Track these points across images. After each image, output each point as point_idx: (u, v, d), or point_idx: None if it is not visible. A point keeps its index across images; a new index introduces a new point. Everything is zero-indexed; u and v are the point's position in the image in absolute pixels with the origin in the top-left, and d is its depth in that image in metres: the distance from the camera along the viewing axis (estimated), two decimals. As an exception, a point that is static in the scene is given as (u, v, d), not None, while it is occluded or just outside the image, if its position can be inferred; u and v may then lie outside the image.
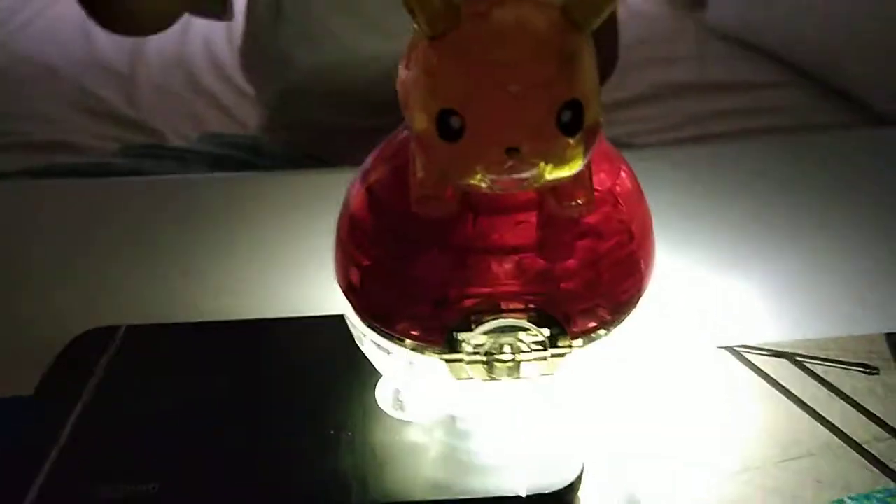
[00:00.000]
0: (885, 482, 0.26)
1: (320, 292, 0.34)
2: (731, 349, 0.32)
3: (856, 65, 0.91)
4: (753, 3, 1.08)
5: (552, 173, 0.19)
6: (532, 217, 0.22)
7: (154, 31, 0.64)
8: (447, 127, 0.18)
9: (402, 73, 0.22)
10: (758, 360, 0.32)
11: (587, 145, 0.19)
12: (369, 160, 0.25)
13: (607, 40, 0.65)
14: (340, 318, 0.26)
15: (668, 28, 1.14)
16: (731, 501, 0.26)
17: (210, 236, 0.42)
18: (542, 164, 0.18)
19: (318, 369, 0.30)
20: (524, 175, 0.18)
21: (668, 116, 0.93)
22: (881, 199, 0.42)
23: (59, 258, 0.41)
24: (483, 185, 0.19)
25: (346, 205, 0.25)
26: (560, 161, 0.18)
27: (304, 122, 0.68)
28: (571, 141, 0.18)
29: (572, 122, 0.18)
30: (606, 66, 0.68)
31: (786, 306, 0.35)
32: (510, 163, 0.18)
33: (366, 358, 0.26)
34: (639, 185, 0.25)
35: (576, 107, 0.18)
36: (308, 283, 0.37)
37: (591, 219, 0.22)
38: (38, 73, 1.03)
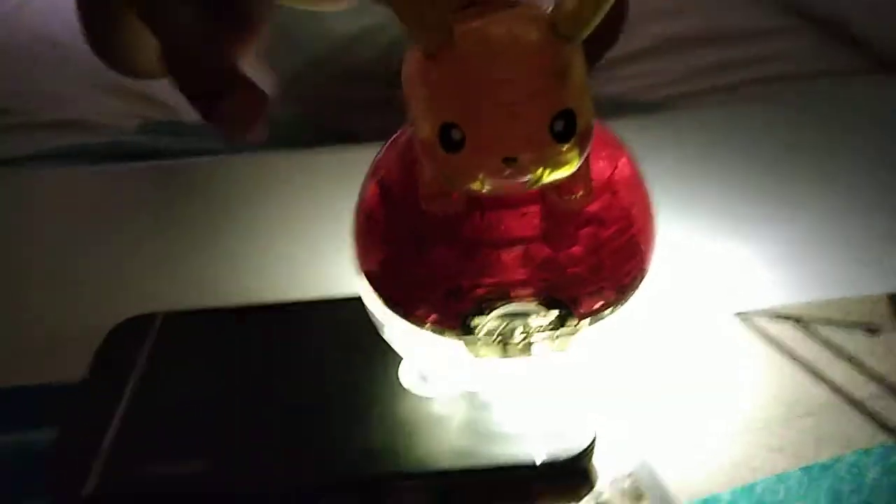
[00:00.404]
0: (883, 439, 0.28)
1: (348, 272, 0.36)
2: (736, 314, 0.34)
3: (861, 10, 0.90)
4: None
5: (549, 176, 0.20)
6: (536, 209, 0.23)
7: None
8: (448, 139, 0.20)
9: (404, 80, 0.23)
10: (762, 323, 0.33)
11: (581, 149, 0.20)
12: (380, 153, 0.27)
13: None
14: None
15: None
16: (736, 460, 0.28)
17: (235, 218, 0.44)
18: (538, 169, 0.20)
19: (347, 349, 0.32)
20: (522, 180, 0.20)
21: (674, 69, 0.92)
22: (885, 157, 0.43)
23: (85, 247, 0.43)
24: (484, 189, 0.20)
25: (360, 196, 0.27)
26: (555, 165, 0.20)
27: (316, 96, 0.70)
28: (565, 147, 0.20)
29: (565, 130, 0.19)
30: (615, 26, 0.67)
31: (789, 269, 0.36)
32: (508, 171, 0.20)
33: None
34: (638, 170, 0.26)
35: (568, 116, 0.19)
36: (335, 262, 0.38)
37: (592, 207, 0.24)
38: (46, 48, 1.03)
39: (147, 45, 0.44)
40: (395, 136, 0.27)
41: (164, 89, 0.82)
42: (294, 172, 0.48)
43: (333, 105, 0.70)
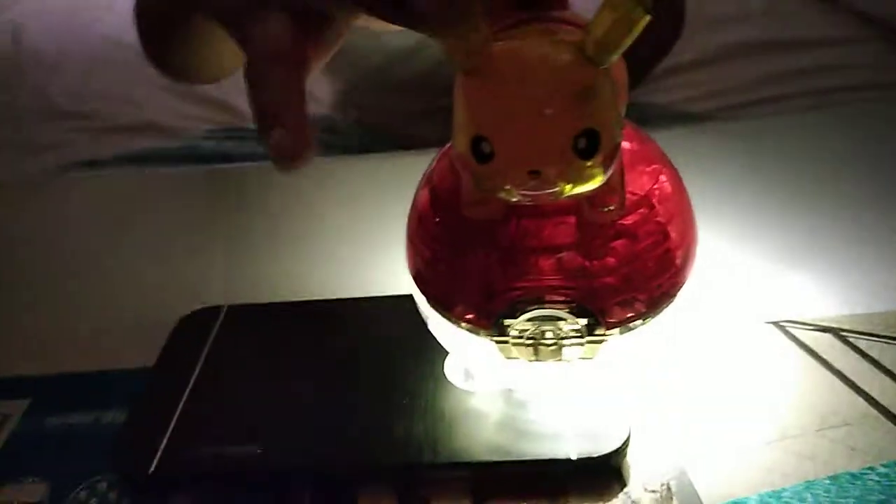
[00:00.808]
0: (916, 451, 0.28)
1: (401, 271, 0.38)
2: (777, 324, 0.34)
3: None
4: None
5: (573, 190, 0.21)
6: (571, 219, 0.25)
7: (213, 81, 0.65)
8: (479, 151, 0.21)
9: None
10: (803, 334, 0.33)
11: (605, 166, 0.21)
12: (434, 161, 0.29)
13: (672, 5, 0.65)
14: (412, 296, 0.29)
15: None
16: (767, 466, 0.28)
17: (294, 220, 0.46)
18: (562, 183, 0.21)
19: (395, 344, 0.34)
20: (547, 192, 0.21)
21: (737, 78, 0.90)
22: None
23: (157, 245, 0.46)
24: (513, 198, 0.22)
25: (414, 201, 0.29)
26: (578, 180, 0.21)
27: (372, 105, 0.72)
28: (588, 163, 0.21)
29: (588, 148, 0.21)
30: (672, 30, 0.67)
31: (833, 282, 0.36)
32: (533, 183, 0.21)
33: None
34: (681, 185, 0.27)
35: (591, 134, 0.21)
36: (389, 262, 0.40)
37: (626, 220, 0.25)
38: (125, 54, 1.08)
39: (213, 52, 0.46)
40: (447, 145, 0.29)
41: (228, 92, 0.85)
42: (351, 177, 0.50)
43: (388, 114, 0.72)
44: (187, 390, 0.33)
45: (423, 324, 0.29)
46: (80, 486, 0.31)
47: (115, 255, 0.46)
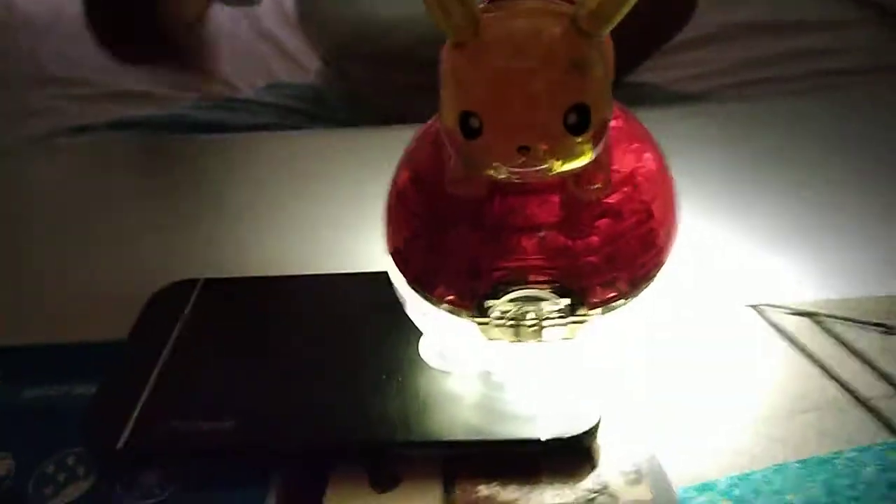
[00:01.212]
0: (885, 436, 0.28)
1: (378, 249, 0.37)
2: (756, 307, 0.34)
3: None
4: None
5: (562, 166, 0.21)
6: (555, 198, 0.24)
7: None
8: (468, 126, 0.21)
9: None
10: (780, 318, 0.34)
11: (595, 142, 0.21)
12: (414, 139, 0.28)
13: None
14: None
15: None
16: (737, 449, 0.29)
17: (274, 193, 0.45)
18: (551, 159, 0.21)
19: (371, 322, 0.33)
20: (536, 169, 0.21)
21: (732, 58, 0.91)
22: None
23: (138, 213, 0.45)
24: (501, 175, 0.22)
25: (394, 178, 0.28)
26: (568, 157, 0.21)
27: (358, 77, 0.71)
28: (579, 139, 0.21)
29: (578, 123, 0.20)
30: (684, 10, 0.67)
31: (812, 266, 0.36)
32: (522, 159, 0.21)
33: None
34: (664, 164, 0.27)
35: (582, 109, 0.20)
36: (368, 240, 0.40)
37: (611, 199, 0.25)
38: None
39: None
40: (428, 123, 0.28)
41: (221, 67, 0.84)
42: (335, 151, 0.50)
43: (373, 85, 0.71)
44: (159, 364, 0.32)
45: (399, 303, 0.29)
46: (48, 460, 0.30)
47: (92, 225, 0.45)
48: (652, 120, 0.28)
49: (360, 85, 0.72)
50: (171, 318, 0.35)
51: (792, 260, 0.37)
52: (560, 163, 0.21)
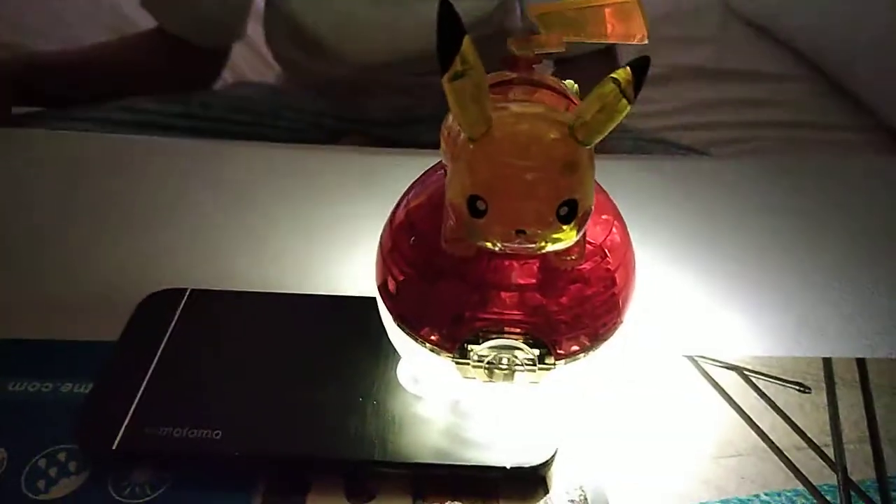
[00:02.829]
0: (795, 484, 0.33)
1: (363, 273, 0.40)
2: (691, 358, 0.39)
3: (869, 70, 0.95)
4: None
5: (549, 247, 0.25)
6: (535, 264, 0.28)
7: None
8: (475, 207, 0.24)
9: (443, 143, 0.27)
10: (712, 370, 0.38)
11: (579, 228, 0.25)
12: (413, 186, 0.31)
13: None
14: (374, 300, 0.32)
15: (691, 5, 1.17)
16: (667, 487, 0.33)
17: (263, 208, 0.48)
18: (542, 242, 0.24)
19: (353, 344, 0.36)
20: (528, 247, 0.24)
21: (679, 100, 0.96)
22: (851, 230, 0.48)
23: (130, 213, 0.47)
24: (497, 248, 0.25)
25: (389, 220, 0.31)
26: (556, 241, 0.24)
27: (318, 83, 0.75)
28: (566, 227, 0.24)
29: (568, 215, 0.24)
30: None
31: (746, 323, 0.41)
32: (518, 240, 0.24)
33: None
34: (627, 234, 0.31)
35: (572, 204, 0.24)
36: (354, 263, 0.43)
37: (582, 267, 0.28)
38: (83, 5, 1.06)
39: None
40: (427, 173, 0.31)
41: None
42: (330, 170, 0.51)
43: (333, 92, 0.75)
44: (150, 369, 0.34)
45: (381, 328, 0.32)
46: (39, 455, 0.32)
47: (87, 221, 0.46)
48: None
49: (321, 90, 0.77)
50: (160, 324, 0.37)
51: (731, 315, 0.41)
52: (549, 244, 0.25)
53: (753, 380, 0.38)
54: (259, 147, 0.55)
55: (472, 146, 0.24)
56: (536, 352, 0.28)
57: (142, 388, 0.34)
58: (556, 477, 0.33)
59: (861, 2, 0.97)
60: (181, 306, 0.38)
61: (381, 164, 0.51)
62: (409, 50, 0.75)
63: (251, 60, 1.05)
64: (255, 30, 1.09)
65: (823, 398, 0.37)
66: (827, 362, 0.39)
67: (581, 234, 0.25)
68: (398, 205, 0.31)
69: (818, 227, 0.49)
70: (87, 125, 0.66)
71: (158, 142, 0.56)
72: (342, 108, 0.77)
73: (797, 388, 0.37)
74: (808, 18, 1.04)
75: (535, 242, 0.24)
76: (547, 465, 0.32)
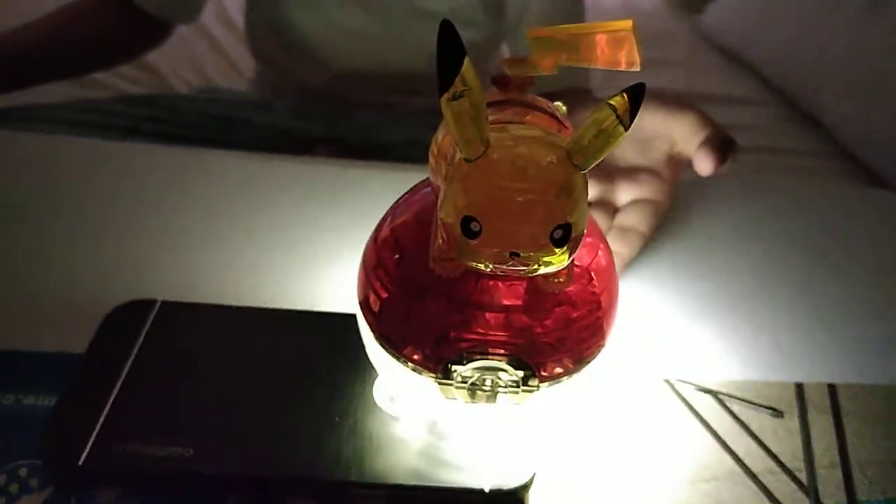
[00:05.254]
0: (769, 508, 0.33)
1: (342, 289, 0.39)
2: (668, 381, 0.39)
3: (834, 98, 0.97)
4: (754, 18, 1.12)
5: (541, 270, 0.24)
6: (522, 285, 0.28)
7: None
8: (468, 228, 0.24)
9: (432, 161, 0.27)
10: (688, 393, 0.38)
11: (571, 252, 0.24)
12: (398, 203, 0.31)
13: None
14: (353, 317, 0.31)
15: (662, 29, 1.19)
16: (646, 510, 0.33)
17: (238, 220, 0.47)
18: (535, 264, 0.24)
19: (329, 361, 0.35)
20: (520, 269, 0.24)
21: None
22: (824, 255, 0.49)
23: (98, 221, 0.45)
24: (487, 269, 0.25)
25: (374, 237, 0.31)
26: (548, 263, 0.24)
27: (293, 87, 0.75)
28: (559, 250, 0.24)
29: (562, 238, 0.24)
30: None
31: (722, 347, 0.41)
32: (511, 262, 0.24)
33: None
34: (612, 258, 0.31)
35: (566, 227, 0.24)
36: (332, 278, 0.42)
37: (569, 290, 0.28)
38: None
39: None
40: (413, 189, 0.31)
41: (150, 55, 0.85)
42: (313, 182, 0.50)
43: (307, 98, 0.75)
44: (119, 383, 0.33)
45: (359, 345, 0.31)
46: None
47: (53, 228, 0.44)
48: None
49: (295, 95, 0.76)
50: (128, 336, 0.36)
51: (708, 339, 0.42)
52: (541, 267, 0.24)
53: (728, 404, 0.38)
54: (233, 156, 0.53)
55: (467, 167, 0.23)
56: (521, 373, 0.28)
57: (110, 403, 0.33)
58: (533, 500, 0.32)
59: (827, 30, 1.00)
60: (151, 318, 0.37)
61: (356, 177, 0.50)
62: (391, 65, 0.74)
63: (222, 67, 1.03)
64: (226, 37, 1.08)
65: (796, 423, 0.37)
66: (799, 387, 0.39)
67: (573, 256, 0.25)
68: (383, 221, 0.31)
69: (790, 252, 0.49)
70: (52, 126, 0.64)
71: (128, 148, 0.54)
72: (315, 118, 0.77)
73: (771, 412, 0.38)
74: (775, 45, 1.06)
75: (527, 265, 0.24)
76: (525, 487, 0.32)
